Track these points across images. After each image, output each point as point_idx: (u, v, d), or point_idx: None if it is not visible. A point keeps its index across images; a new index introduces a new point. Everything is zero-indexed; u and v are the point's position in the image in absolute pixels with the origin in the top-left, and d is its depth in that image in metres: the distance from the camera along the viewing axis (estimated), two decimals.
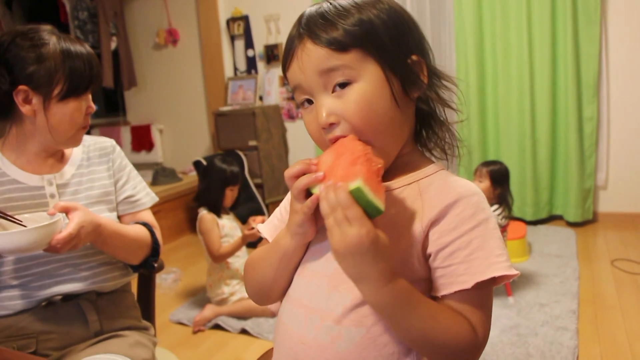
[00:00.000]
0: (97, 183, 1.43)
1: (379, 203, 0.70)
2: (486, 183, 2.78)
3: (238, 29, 4.93)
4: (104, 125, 5.83)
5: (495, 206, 2.73)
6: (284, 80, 4.81)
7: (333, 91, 0.79)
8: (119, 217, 1.48)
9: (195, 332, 2.74)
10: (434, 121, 0.87)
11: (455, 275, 0.76)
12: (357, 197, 0.69)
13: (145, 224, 1.47)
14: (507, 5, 3.91)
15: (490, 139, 4.17)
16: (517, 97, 3.97)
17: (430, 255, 0.79)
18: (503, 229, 2.77)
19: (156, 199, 1.59)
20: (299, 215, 0.80)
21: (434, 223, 0.78)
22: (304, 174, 0.77)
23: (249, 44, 4.93)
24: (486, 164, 2.87)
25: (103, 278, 1.37)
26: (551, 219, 4.13)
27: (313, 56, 0.78)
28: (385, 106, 0.78)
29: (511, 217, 2.89)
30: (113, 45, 5.18)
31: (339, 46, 0.76)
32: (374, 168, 0.73)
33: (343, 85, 0.78)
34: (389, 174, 0.85)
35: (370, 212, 0.70)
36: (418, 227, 0.79)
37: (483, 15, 4.01)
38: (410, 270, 0.79)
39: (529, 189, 4.00)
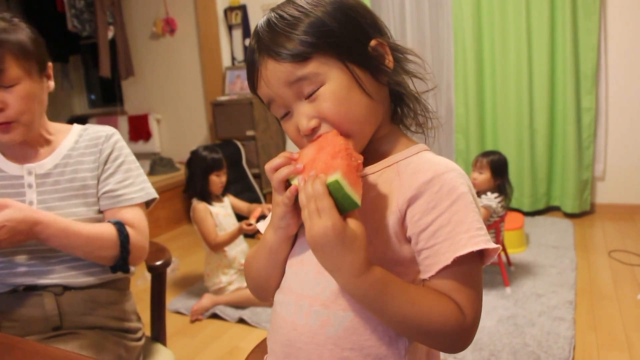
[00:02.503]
0: (80, 175, 1.37)
1: (356, 197, 0.71)
2: (487, 174, 2.77)
3: (236, 18, 4.90)
4: (101, 115, 5.82)
5: (496, 194, 2.72)
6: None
7: (306, 97, 0.80)
8: (103, 212, 1.40)
9: (192, 322, 2.75)
10: (406, 97, 0.88)
11: (440, 254, 0.75)
12: (334, 190, 0.70)
13: (117, 223, 1.35)
14: None
15: (488, 129, 4.17)
16: (515, 88, 3.96)
17: (411, 238, 0.79)
18: (501, 219, 2.77)
19: (152, 196, 1.46)
20: (280, 208, 0.82)
21: (411, 202, 0.78)
22: (285, 167, 0.79)
23: (247, 33, 4.91)
24: (486, 154, 2.86)
25: (74, 273, 1.33)
26: (549, 210, 4.14)
27: (278, 73, 0.79)
28: (358, 98, 0.80)
29: (509, 208, 2.89)
30: (110, 34, 5.15)
31: (299, 58, 0.78)
32: (354, 163, 0.74)
33: (314, 90, 0.80)
34: (369, 157, 0.86)
35: (346, 205, 0.71)
36: (395, 207, 0.79)
37: (481, 6, 3.99)
38: (393, 252, 0.80)
39: (526, 180, 4.00)
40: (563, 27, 3.76)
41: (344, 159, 0.72)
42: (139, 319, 1.50)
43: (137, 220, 1.40)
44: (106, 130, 1.46)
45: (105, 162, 1.40)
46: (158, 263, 1.50)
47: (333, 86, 0.79)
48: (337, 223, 0.70)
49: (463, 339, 0.75)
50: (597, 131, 3.91)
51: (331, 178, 0.70)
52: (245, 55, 4.85)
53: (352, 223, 0.72)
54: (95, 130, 1.45)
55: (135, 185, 1.44)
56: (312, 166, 0.75)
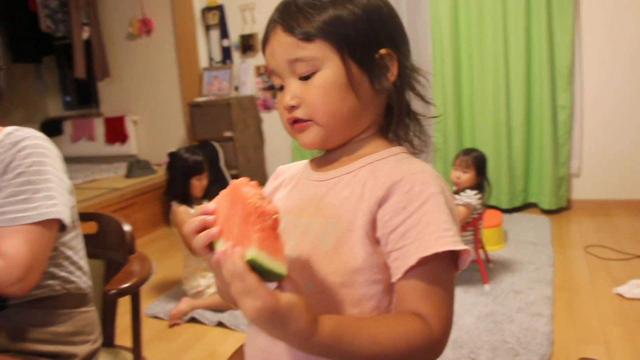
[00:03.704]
0: None
1: (279, 267, 0.67)
2: (472, 172, 2.77)
3: (213, 18, 4.87)
4: (77, 117, 5.73)
5: (475, 191, 2.73)
6: (260, 71, 4.80)
7: (300, 77, 0.82)
8: None
9: (171, 326, 2.71)
10: (403, 113, 0.87)
11: (408, 255, 0.73)
12: (255, 265, 0.66)
13: None
14: None
15: (465, 127, 4.19)
16: (492, 86, 4.00)
17: (380, 239, 0.77)
18: (480, 216, 2.78)
19: (47, 216, 1.20)
20: (215, 270, 0.77)
21: (381, 202, 0.77)
22: (205, 227, 0.73)
23: (224, 33, 4.88)
24: (467, 152, 2.86)
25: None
26: (526, 206, 4.18)
27: (282, 44, 0.81)
28: (343, 94, 0.81)
29: (487, 206, 2.91)
30: (85, 35, 5.08)
31: (305, 36, 0.80)
32: (269, 223, 0.69)
33: (309, 73, 0.81)
34: (346, 157, 0.86)
35: (272, 277, 0.68)
36: (366, 208, 0.78)
37: (458, 5, 4.02)
38: (366, 255, 0.78)
39: (504, 177, 4.03)
40: (538, 26, 3.80)
41: (256, 224, 0.67)
42: (84, 342, 1.38)
43: (12, 248, 1.16)
44: (20, 135, 1.24)
45: (2, 174, 1.21)
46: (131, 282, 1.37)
47: (326, 75, 0.80)
48: (267, 301, 0.65)
49: (434, 352, 0.73)
50: (572, 128, 3.96)
51: (248, 254, 0.66)
52: (223, 54, 4.84)
53: (284, 295, 0.67)
54: (11, 136, 1.24)
55: (31, 202, 1.19)
56: (228, 228, 0.70)
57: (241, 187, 0.72)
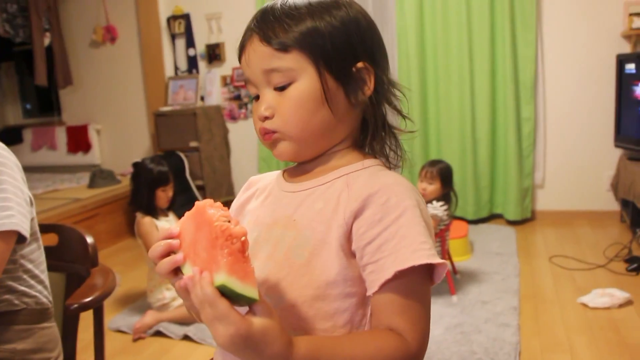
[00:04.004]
0: None
1: (251, 292, 0.65)
2: (437, 184, 2.79)
3: (179, 27, 4.81)
4: (37, 126, 5.59)
5: (441, 202, 2.75)
6: (226, 81, 4.76)
7: (275, 87, 0.81)
8: None
9: (135, 340, 2.64)
10: (379, 127, 0.86)
11: (385, 269, 0.72)
12: (225, 291, 0.64)
13: None
14: (448, 10, 3.98)
15: (432, 139, 4.23)
16: (457, 98, 4.05)
17: (356, 252, 0.76)
18: (447, 227, 2.80)
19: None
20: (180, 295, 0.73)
21: (357, 215, 0.76)
22: (169, 252, 0.71)
23: (190, 42, 4.83)
24: (433, 163, 2.88)
25: None
26: (492, 217, 4.23)
27: (258, 53, 0.80)
28: (317, 107, 0.80)
29: (453, 217, 2.93)
30: (46, 41, 4.96)
31: (281, 46, 0.78)
32: (237, 246, 0.66)
33: (284, 84, 0.80)
34: (319, 169, 0.85)
35: (244, 302, 0.66)
36: (341, 220, 0.77)
37: (424, 18, 4.07)
38: (341, 268, 0.76)
39: (470, 188, 4.08)
40: (502, 40, 3.88)
41: (224, 248, 0.65)
42: (45, 359, 1.34)
43: None
44: None
45: None
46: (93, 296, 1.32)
47: (301, 87, 0.79)
48: (240, 328, 0.63)
49: None
50: (536, 140, 4.03)
51: (218, 280, 0.64)
52: (189, 64, 4.79)
53: (257, 320, 0.65)
54: None
55: None
56: (194, 252, 0.68)
57: (206, 209, 0.69)
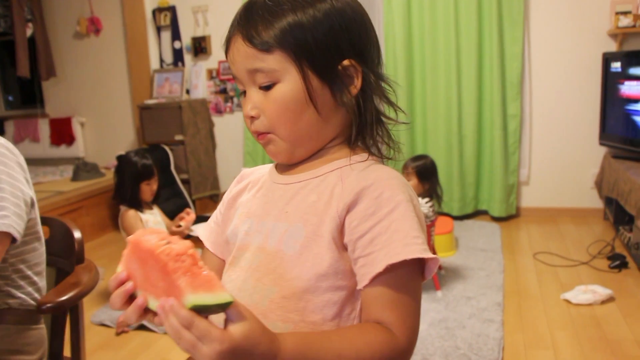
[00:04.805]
0: None
1: (223, 297, 0.63)
2: (414, 180, 2.80)
3: (165, 19, 4.76)
4: (20, 118, 5.51)
5: (427, 199, 2.75)
6: (212, 74, 4.72)
7: (260, 87, 0.80)
8: None
9: (118, 334, 2.62)
10: (368, 123, 0.84)
11: (376, 262, 0.72)
12: (198, 309, 0.62)
13: None
14: (435, 5, 3.98)
15: (418, 135, 4.23)
16: (444, 94, 4.05)
17: (347, 245, 0.76)
18: (432, 223, 2.80)
19: None
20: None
21: (350, 208, 0.75)
22: (127, 298, 0.68)
23: (176, 35, 4.78)
24: (413, 159, 2.88)
25: None
26: (477, 214, 4.24)
27: (241, 53, 0.79)
28: (302, 108, 0.78)
29: (439, 212, 2.93)
30: (29, 32, 4.88)
31: (263, 46, 0.77)
32: (188, 262, 0.64)
33: (268, 84, 0.78)
34: (313, 161, 0.84)
35: (220, 310, 0.64)
36: (334, 213, 0.76)
37: (412, 15, 4.06)
38: (332, 261, 0.76)
39: (455, 184, 4.09)
40: (490, 37, 3.88)
41: (176, 271, 0.63)
42: None
43: None
44: None
45: None
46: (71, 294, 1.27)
47: (284, 89, 0.78)
48: (224, 340, 0.61)
49: None
50: (522, 137, 4.05)
51: (188, 302, 0.61)
52: (175, 56, 4.74)
53: (236, 327, 0.63)
54: None
55: None
56: (152, 286, 0.66)
57: (142, 242, 0.67)
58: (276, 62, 0.77)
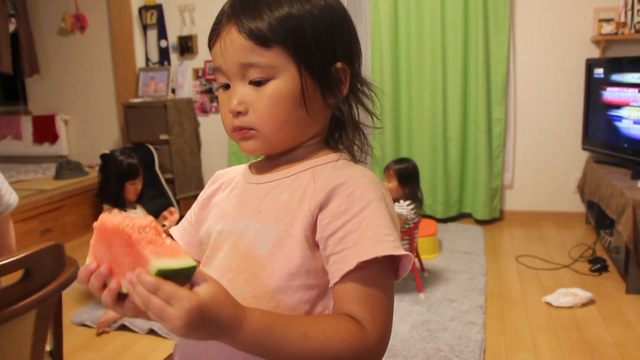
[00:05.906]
0: None
1: (186, 262, 0.63)
2: (394, 182, 2.81)
3: (151, 18, 4.73)
4: (2, 114, 5.44)
5: (408, 201, 2.76)
6: (198, 73, 4.70)
7: (250, 82, 0.78)
8: None
9: (99, 334, 2.60)
10: (348, 126, 0.85)
11: (347, 260, 0.72)
12: (164, 275, 0.62)
13: None
14: (422, 9, 4.00)
15: (403, 137, 4.24)
16: (429, 97, 4.06)
17: (319, 243, 0.76)
18: (415, 226, 2.81)
19: None
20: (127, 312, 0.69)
21: (322, 206, 0.76)
22: (103, 283, 0.68)
23: (162, 34, 4.75)
24: (395, 162, 2.90)
25: None
26: (461, 216, 4.27)
27: (236, 45, 0.76)
28: (294, 107, 0.78)
29: (422, 215, 2.94)
30: (12, 27, 4.83)
31: (261, 41, 0.75)
32: (151, 233, 0.65)
33: (261, 80, 0.77)
34: (287, 161, 0.84)
35: (186, 276, 0.64)
36: (307, 212, 0.77)
37: (398, 18, 4.08)
38: (304, 259, 0.76)
39: (439, 187, 4.11)
40: (475, 41, 3.91)
41: (140, 241, 0.64)
42: None
43: None
44: None
45: None
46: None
47: (280, 86, 0.76)
48: (192, 299, 0.61)
49: (370, 357, 0.72)
50: (506, 141, 4.08)
51: (152, 268, 0.62)
52: (160, 55, 4.71)
53: (202, 288, 0.63)
54: None
55: None
56: (120, 266, 0.66)
57: (106, 222, 0.67)
58: (275, 58, 0.76)
